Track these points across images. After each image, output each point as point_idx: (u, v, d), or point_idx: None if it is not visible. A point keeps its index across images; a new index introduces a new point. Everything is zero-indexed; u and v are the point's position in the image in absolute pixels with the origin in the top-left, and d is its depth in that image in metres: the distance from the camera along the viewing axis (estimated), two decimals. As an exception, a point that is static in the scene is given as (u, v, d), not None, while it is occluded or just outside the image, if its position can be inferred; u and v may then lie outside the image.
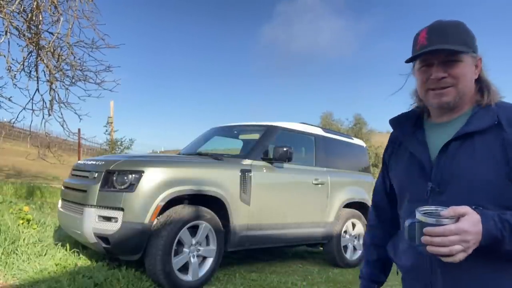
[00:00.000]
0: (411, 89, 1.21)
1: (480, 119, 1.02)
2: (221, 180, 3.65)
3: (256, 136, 4.45)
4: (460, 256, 0.85)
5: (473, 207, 0.90)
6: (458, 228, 0.84)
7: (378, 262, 1.32)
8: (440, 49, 1.02)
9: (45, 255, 3.58)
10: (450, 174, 1.01)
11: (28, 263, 3.36)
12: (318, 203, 4.69)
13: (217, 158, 3.99)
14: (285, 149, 4.01)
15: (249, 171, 3.90)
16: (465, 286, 0.99)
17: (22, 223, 4.21)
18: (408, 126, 1.18)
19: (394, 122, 1.23)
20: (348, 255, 5.01)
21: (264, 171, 4.07)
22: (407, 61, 1.11)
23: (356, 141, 5.84)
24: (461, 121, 1.06)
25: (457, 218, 0.86)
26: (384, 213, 1.32)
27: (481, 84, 1.07)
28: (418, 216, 0.89)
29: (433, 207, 0.91)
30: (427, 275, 1.04)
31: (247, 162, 3.97)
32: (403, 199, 1.16)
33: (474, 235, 0.85)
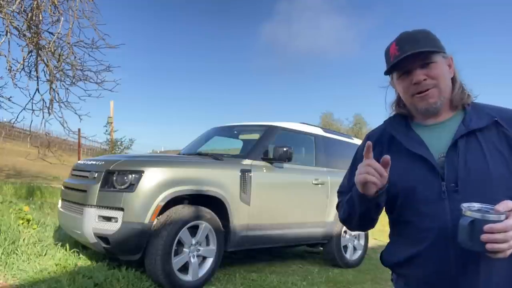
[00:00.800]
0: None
1: (477, 117, 1.05)
2: (221, 180, 3.65)
3: (256, 136, 4.46)
4: (509, 252, 0.85)
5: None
6: None
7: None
8: (416, 53, 1.05)
9: (45, 255, 3.58)
10: (464, 172, 1.01)
11: (28, 263, 3.36)
12: (318, 203, 4.69)
13: (217, 158, 3.99)
14: (285, 149, 4.01)
15: (249, 171, 3.90)
16: (497, 283, 0.98)
17: (22, 223, 4.21)
18: (401, 127, 1.17)
19: (389, 123, 1.21)
20: (348, 255, 5.01)
21: (264, 171, 4.07)
22: (386, 73, 1.15)
23: (356, 141, 5.84)
24: (455, 120, 1.08)
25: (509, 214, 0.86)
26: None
27: (457, 83, 1.11)
28: (471, 213, 0.86)
29: (478, 204, 0.89)
30: (451, 281, 1.00)
31: (247, 162, 3.97)
32: (408, 200, 1.08)
33: None
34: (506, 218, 0.85)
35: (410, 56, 1.05)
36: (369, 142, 1.02)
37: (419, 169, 1.06)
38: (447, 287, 1.01)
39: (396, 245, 1.16)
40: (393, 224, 1.17)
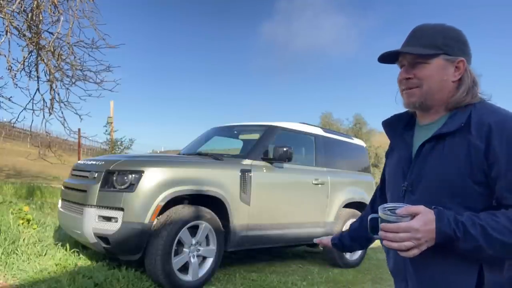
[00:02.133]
0: None
1: (454, 121, 1.04)
2: (221, 180, 3.65)
3: (256, 136, 4.46)
4: (414, 252, 0.92)
5: (433, 207, 0.95)
6: (408, 226, 0.91)
7: (352, 231, 1.45)
8: (405, 52, 1.08)
9: (45, 255, 3.58)
10: (419, 175, 1.06)
11: (28, 263, 3.36)
12: (318, 203, 4.69)
13: (217, 158, 3.99)
14: (285, 149, 4.01)
15: (249, 171, 3.90)
16: (430, 282, 1.04)
17: (22, 223, 4.22)
18: (399, 127, 1.22)
19: (386, 124, 1.27)
20: (348, 255, 5.01)
21: (264, 171, 4.07)
22: (380, 61, 1.16)
23: (356, 141, 5.84)
24: (440, 123, 1.09)
25: (412, 216, 0.93)
26: (375, 202, 1.43)
27: (463, 86, 1.07)
28: (380, 212, 0.98)
29: (394, 204, 0.97)
30: (403, 271, 1.12)
31: (247, 162, 3.97)
32: (388, 196, 1.24)
33: (424, 233, 0.91)
34: (410, 220, 0.92)
35: (396, 53, 1.09)
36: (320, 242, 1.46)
37: (398, 168, 1.16)
38: (402, 280, 1.13)
39: None
40: None
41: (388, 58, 1.13)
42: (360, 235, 1.44)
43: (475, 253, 0.93)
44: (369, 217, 1.06)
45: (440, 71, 1.06)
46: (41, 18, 5.62)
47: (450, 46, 1.07)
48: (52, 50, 5.69)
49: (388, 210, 0.96)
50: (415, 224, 0.91)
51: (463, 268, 0.98)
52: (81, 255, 3.64)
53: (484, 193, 0.97)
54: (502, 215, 0.92)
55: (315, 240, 1.52)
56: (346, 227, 4.96)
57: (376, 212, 1.39)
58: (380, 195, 1.41)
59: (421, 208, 0.94)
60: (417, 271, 1.06)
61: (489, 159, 0.95)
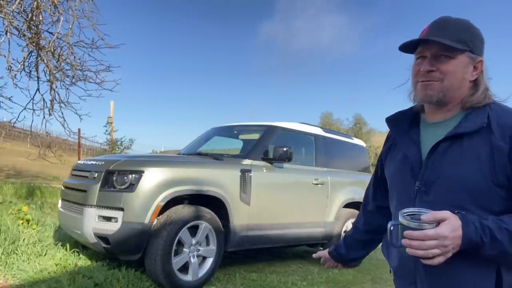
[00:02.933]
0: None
1: (471, 121, 1.01)
2: (221, 180, 3.65)
3: (256, 136, 4.45)
4: (439, 260, 0.88)
5: (456, 211, 0.91)
6: (436, 234, 0.87)
7: (347, 238, 1.46)
8: (432, 41, 1.02)
9: (45, 255, 3.58)
10: (435, 175, 1.02)
11: (28, 263, 3.36)
12: (318, 203, 4.69)
13: (217, 158, 3.99)
14: (285, 149, 4.01)
15: (249, 171, 3.90)
16: (445, 285, 1.01)
17: (22, 223, 4.22)
18: (404, 124, 1.18)
19: (390, 120, 1.23)
20: (348, 255, 5.01)
21: (264, 171, 4.07)
22: (400, 49, 1.10)
23: (356, 141, 5.85)
24: (454, 121, 1.06)
25: (438, 222, 0.88)
26: (368, 205, 1.41)
27: (477, 87, 1.05)
28: (401, 218, 0.92)
29: (416, 209, 0.92)
30: (412, 275, 1.07)
31: (247, 162, 3.97)
32: (393, 197, 1.19)
33: (452, 240, 0.87)
34: (436, 227, 0.88)
35: (429, 41, 1.03)
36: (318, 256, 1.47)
37: (405, 168, 1.11)
38: (410, 284, 1.09)
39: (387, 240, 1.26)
40: None
41: (409, 46, 1.08)
42: (354, 241, 1.43)
43: (500, 258, 0.91)
44: (389, 226, 0.97)
45: (463, 68, 1.04)
46: (41, 18, 5.62)
47: (475, 44, 1.04)
48: (52, 50, 5.70)
49: (408, 215, 0.91)
50: (443, 232, 0.87)
51: (481, 271, 0.96)
52: (81, 255, 3.64)
53: (505, 195, 0.95)
54: None
55: (314, 256, 1.51)
56: (346, 227, 4.97)
57: (372, 216, 1.38)
58: (373, 198, 1.37)
59: (447, 213, 0.89)
60: (431, 274, 1.02)
61: None
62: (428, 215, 0.89)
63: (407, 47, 1.09)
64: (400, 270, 1.14)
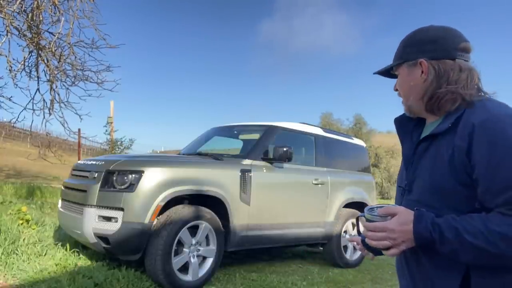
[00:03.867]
0: None
1: (445, 122, 1.02)
2: (221, 180, 3.65)
3: (256, 136, 4.45)
4: (393, 251, 0.96)
5: (415, 208, 0.97)
6: (383, 226, 0.96)
7: None
8: (376, 73, 1.21)
9: (45, 255, 3.58)
10: (414, 175, 1.08)
11: (28, 263, 3.36)
12: (318, 203, 4.69)
13: (217, 158, 3.99)
14: (285, 149, 4.01)
15: (249, 171, 3.90)
16: (419, 283, 1.05)
17: (22, 223, 4.22)
18: (409, 125, 1.21)
19: (397, 121, 1.26)
20: (348, 255, 5.01)
21: (264, 171, 4.07)
22: (374, 73, 1.24)
23: (356, 141, 5.84)
24: (437, 123, 1.08)
25: (393, 216, 0.96)
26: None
27: (433, 84, 1.04)
28: (365, 212, 1.03)
29: (380, 205, 1.02)
30: (401, 270, 1.15)
31: (247, 162, 3.97)
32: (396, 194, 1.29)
33: (400, 234, 0.94)
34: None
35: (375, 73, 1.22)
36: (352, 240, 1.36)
37: (402, 168, 1.18)
38: (401, 275, 1.16)
39: None
40: None
41: (388, 74, 1.21)
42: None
43: (454, 257, 0.91)
44: (356, 216, 1.13)
45: (405, 78, 1.11)
46: (41, 18, 5.62)
47: (407, 52, 1.10)
48: (52, 50, 5.70)
49: (372, 208, 1.01)
50: (389, 225, 0.95)
51: (447, 271, 0.96)
52: (81, 255, 3.64)
53: (470, 195, 0.94)
54: (479, 218, 0.89)
55: (348, 238, 1.58)
56: (346, 227, 4.98)
57: None
58: None
59: (400, 208, 0.97)
60: (410, 270, 1.08)
61: (471, 161, 0.92)
62: (382, 209, 0.98)
63: (386, 74, 1.22)
64: (398, 270, 1.20)
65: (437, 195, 0.99)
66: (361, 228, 1.13)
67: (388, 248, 0.97)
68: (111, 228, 3.11)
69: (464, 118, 0.98)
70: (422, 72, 1.06)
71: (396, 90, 1.16)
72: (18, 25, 5.50)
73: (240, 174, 3.81)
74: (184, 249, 3.35)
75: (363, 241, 1.44)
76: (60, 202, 3.92)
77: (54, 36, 5.50)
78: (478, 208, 0.93)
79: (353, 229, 5.10)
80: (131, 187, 3.18)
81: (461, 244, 0.88)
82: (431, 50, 1.05)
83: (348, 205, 5.03)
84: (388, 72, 1.19)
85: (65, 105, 6.35)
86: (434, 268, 1.00)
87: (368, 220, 1.00)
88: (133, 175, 3.21)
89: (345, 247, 5.01)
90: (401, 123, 1.24)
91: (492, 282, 0.91)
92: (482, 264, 0.90)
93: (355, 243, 1.47)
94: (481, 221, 0.88)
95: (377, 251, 1.44)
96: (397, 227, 0.94)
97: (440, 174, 0.98)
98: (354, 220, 5.07)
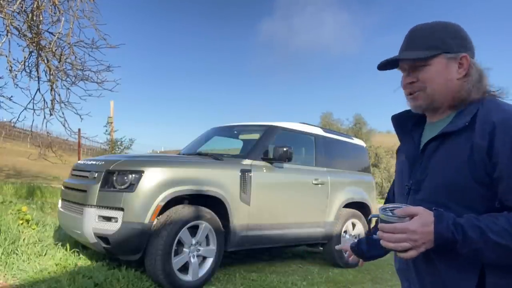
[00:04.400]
0: None
1: (458, 120, 1.01)
2: (221, 180, 3.65)
3: (256, 136, 4.45)
4: (411, 253, 0.90)
5: (433, 208, 0.93)
6: (405, 228, 0.90)
7: (372, 237, 1.42)
8: (402, 58, 1.06)
9: (45, 255, 3.58)
10: (424, 174, 1.04)
11: (28, 263, 3.36)
12: (318, 203, 4.69)
13: (217, 158, 3.99)
14: (285, 149, 4.01)
15: (249, 171, 3.90)
16: (430, 283, 1.02)
17: (22, 223, 4.22)
18: (408, 124, 1.19)
19: (395, 119, 1.24)
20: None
21: (264, 171, 4.07)
22: (380, 69, 1.13)
23: (356, 141, 5.84)
24: (447, 121, 1.06)
25: (411, 217, 0.91)
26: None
27: (469, 83, 1.04)
28: (379, 212, 0.97)
29: (395, 205, 0.97)
30: (406, 272, 1.12)
31: (247, 162, 3.97)
32: (395, 195, 1.24)
33: (421, 235, 0.89)
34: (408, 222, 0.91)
35: (396, 60, 1.07)
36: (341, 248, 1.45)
37: (404, 167, 1.15)
38: (405, 277, 1.13)
39: None
40: None
41: (388, 65, 1.11)
42: (377, 240, 1.42)
43: (475, 257, 0.91)
44: (368, 218, 1.06)
45: (442, 71, 1.03)
46: (41, 18, 5.63)
47: (448, 43, 1.03)
48: (52, 50, 5.70)
49: (389, 210, 0.95)
50: (411, 226, 0.90)
51: (462, 270, 0.95)
52: (81, 255, 3.64)
53: (487, 194, 0.93)
54: (502, 217, 0.88)
55: (337, 247, 1.53)
56: (346, 227, 4.98)
57: None
58: (393, 195, 1.39)
59: (420, 209, 0.92)
60: (418, 272, 1.04)
61: (492, 159, 0.91)
62: (401, 209, 0.92)
63: (385, 66, 1.11)
64: (400, 271, 1.17)
65: (450, 193, 0.97)
66: (369, 229, 1.09)
67: (405, 250, 0.91)
68: (111, 228, 3.11)
69: (480, 116, 0.97)
70: (460, 67, 1.03)
71: (412, 82, 1.06)
72: (18, 25, 5.50)
73: (240, 174, 3.81)
74: (184, 249, 3.35)
75: (352, 248, 1.45)
76: (60, 202, 3.92)
77: (54, 36, 5.50)
78: (497, 208, 0.92)
79: (353, 229, 5.10)
80: (131, 187, 3.18)
81: (485, 244, 0.87)
82: (470, 47, 1.06)
83: (348, 205, 5.03)
84: (393, 63, 1.10)
85: (65, 105, 6.35)
86: (447, 269, 0.97)
87: (383, 221, 0.95)
88: (133, 175, 3.21)
89: (345, 247, 5.00)
90: (398, 121, 1.22)
91: (508, 282, 0.91)
92: (505, 263, 0.90)
93: (348, 251, 1.46)
94: (506, 220, 0.87)
95: (367, 257, 1.44)
96: (419, 228, 0.89)
97: (455, 172, 0.96)
98: (354, 220, 5.08)
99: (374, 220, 1.04)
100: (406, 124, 1.20)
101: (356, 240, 1.46)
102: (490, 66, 1.06)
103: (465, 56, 1.03)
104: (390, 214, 0.94)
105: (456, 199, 0.96)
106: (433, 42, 1.04)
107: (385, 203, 1.46)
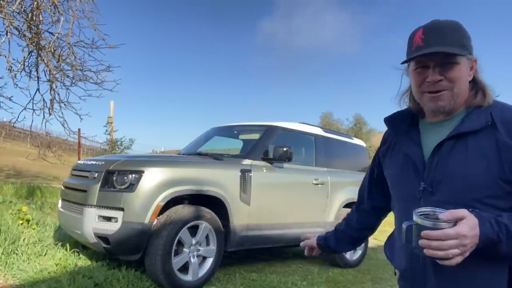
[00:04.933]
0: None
1: (475, 119, 1.00)
2: (221, 180, 3.65)
3: (256, 136, 4.46)
4: (458, 260, 0.84)
5: (470, 210, 0.89)
6: (457, 233, 0.83)
7: (338, 232, 1.46)
8: (437, 52, 0.99)
9: (45, 255, 3.58)
10: (442, 174, 1.01)
11: (28, 263, 3.36)
12: (318, 203, 4.69)
13: (217, 158, 3.99)
14: (285, 149, 4.01)
15: (249, 171, 3.90)
16: (455, 285, 0.99)
17: (22, 223, 4.22)
18: (402, 125, 1.17)
19: (388, 121, 1.22)
20: (348, 255, 5.01)
21: (264, 171, 4.07)
22: (403, 63, 1.08)
23: (356, 141, 5.85)
24: (455, 121, 1.05)
25: (455, 221, 0.85)
26: (362, 204, 1.42)
27: (476, 85, 1.05)
28: (416, 218, 0.88)
29: (429, 209, 0.90)
30: (421, 276, 1.05)
31: (247, 162, 3.97)
32: (396, 198, 1.18)
33: (471, 239, 0.84)
34: (454, 225, 0.85)
35: (433, 53, 1.00)
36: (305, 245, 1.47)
37: (408, 168, 1.10)
38: (419, 282, 1.06)
39: (391, 240, 1.27)
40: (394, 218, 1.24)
41: (414, 57, 1.05)
42: (345, 236, 1.44)
43: (509, 254, 0.91)
44: (405, 226, 0.90)
45: (467, 72, 1.03)
46: (41, 18, 5.62)
47: (469, 45, 1.03)
48: (52, 50, 5.70)
49: (423, 215, 0.88)
50: (463, 230, 0.83)
51: (492, 268, 0.95)
52: (81, 255, 3.64)
53: (511, 191, 0.94)
54: None
55: (301, 244, 1.49)
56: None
57: (367, 215, 1.39)
58: (368, 198, 1.38)
59: (465, 212, 0.86)
60: (440, 274, 1.00)
61: None
62: (447, 213, 0.86)
63: (411, 59, 1.05)
64: (408, 272, 1.11)
65: (474, 193, 0.96)
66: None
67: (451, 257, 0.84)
68: (111, 228, 3.11)
69: (496, 116, 0.98)
70: (471, 69, 1.05)
71: (440, 80, 1.02)
72: (18, 25, 5.50)
73: (240, 174, 3.81)
74: (184, 249, 3.35)
75: (319, 244, 1.43)
76: (60, 202, 3.92)
77: (54, 36, 5.49)
78: None
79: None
80: (131, 187, 3.18)
81: None
82: (473, 49, 1.06)
83: (348, 205, 5.03)
84: (421, 54, 1.02)
85: (65, 105, 6.35)
86: (478, 268, 0.96)
87: (423, 227, 0.86)
88: (133, 175, 3.21)
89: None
90: (393, 122, 1.20)
91: None
92: None
93: (306, 248, 1.46)
94: None
95: (332, 252, 1.44)
96: (469, 232, 0.84)
97: (479, 171, 0.95)
98: (405, 227, 5.05)
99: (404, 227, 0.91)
100: (400, 125, 1.17)
101: (323, 235, 1.47)
102: (486, 68, 1.09)
103: (476, 60, 1.05)
104: (433, 220, 0.86)
105: (479, 198, 0.95)
106: (462, 41, 1.02)
107: (359, 201, 1.45)
